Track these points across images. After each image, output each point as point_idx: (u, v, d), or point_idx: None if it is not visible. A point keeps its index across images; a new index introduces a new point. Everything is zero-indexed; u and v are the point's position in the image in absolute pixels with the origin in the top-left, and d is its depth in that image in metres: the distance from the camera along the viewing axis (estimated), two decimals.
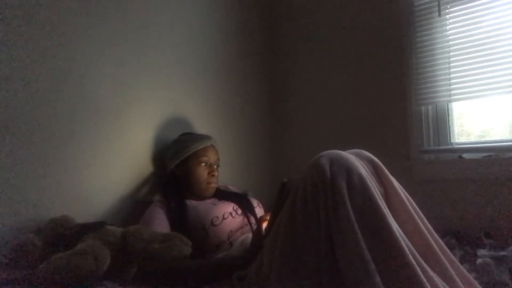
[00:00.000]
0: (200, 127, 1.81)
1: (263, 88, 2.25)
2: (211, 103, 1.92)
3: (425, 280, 0.78)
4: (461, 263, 1.04)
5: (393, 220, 0.88)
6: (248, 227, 1.44)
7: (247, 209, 1.49)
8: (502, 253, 1.25)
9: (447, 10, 1.71)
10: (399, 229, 0.87)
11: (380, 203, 0.86)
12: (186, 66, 1.81)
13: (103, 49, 1.48)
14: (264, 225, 1.19)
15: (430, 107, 1.80)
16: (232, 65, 2.05)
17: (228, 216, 1.40)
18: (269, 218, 1.15)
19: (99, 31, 1.47)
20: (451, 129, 1.77)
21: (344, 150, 0.97)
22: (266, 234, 1.13)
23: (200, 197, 1.51)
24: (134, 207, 1.52)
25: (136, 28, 1.60)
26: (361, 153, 1.02)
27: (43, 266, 0.96)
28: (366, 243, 0.81)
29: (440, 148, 1.77)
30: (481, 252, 1.28)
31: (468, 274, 0.95)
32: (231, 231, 1.38)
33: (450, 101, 1.73)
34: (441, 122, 1.79)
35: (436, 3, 1.72)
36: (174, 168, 1.53)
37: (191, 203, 1.46)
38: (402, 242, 0.82)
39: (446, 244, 1.07)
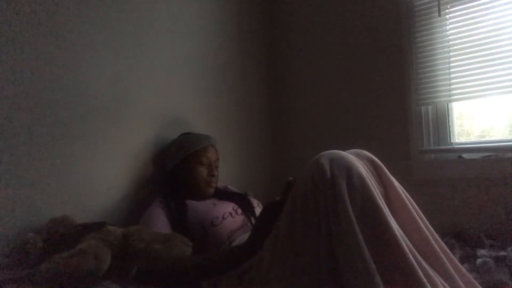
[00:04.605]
0: (200, 127, 1.81)
1: (263, 88, 2.26)
2: (211, 103, 1.92)
3: (425, 280, 0.78)
4: (461, 263, 1.04)
5: (393, 220, 0.88)
6: (248, 227, 1.44)
7: (247, 209, 1.49)
8: (502, 253, 1.25)
9: (447, 10, 1.71)
10: (399, 229, 0.87)
11: (380, 203, 0.86)
12: (186, 66, 1.81)
13: (103, 49, 1.48)
14: None
15: (430, 107, 1.80)
16: (232, 64, 2.05)
17: (228, 216, 1.40)
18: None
19: (99, 31, 1.47)
20: (451, 129, 1.77)
21: (344, 150, 0.97)
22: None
23: (200, 197, 1.51)
24: (134, 207, 1.52)
25: (136, 28, 1.60)
26: (361, 152, 1.02)
27: (43, 266, 0.96)
28: (366, 243, 0.81)
29: (440, 148, 1.77)
30: (481, 252, 1.29)
31: (468, 274, 0.95)
32: (231, 231, 1.38)
33: (450, 101, 1.73)
34: (441, 122, 1.79)
35: (436, 3, 1.72)
36: (174, 168, 1.53)
37: (191, 203, 1.46)
38: (402, 242, 0.82)
39: (446, 244, 1.07)
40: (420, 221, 0.95)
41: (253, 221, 1.45)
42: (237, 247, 1.17)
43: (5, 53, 1.23)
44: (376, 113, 1.92)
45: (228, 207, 1.45)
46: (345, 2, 2.03)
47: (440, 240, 0.97)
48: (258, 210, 1.52)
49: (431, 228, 0.97)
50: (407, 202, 0.97)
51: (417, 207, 0.99)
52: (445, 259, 0.91)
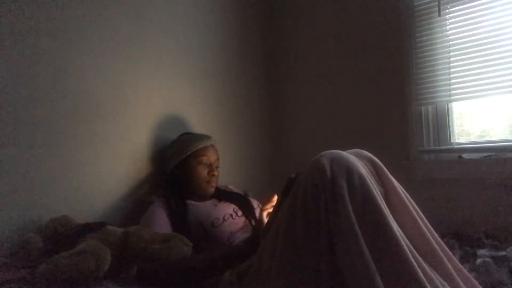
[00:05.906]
0: (200, 127, 1.81)
1: (263, 87, 2.25)
2: (211, 103, 1.92)
3: (425, 280, 0.78)
4: (461, 263, 1.04)
5: (393, 220, 0.88)
6: (249, 228, 1.44)
7: (247, 210, 1.49)
8: (502, 253, 1.25)
9: (447, 10, 1.71)
10: (399, 229, 0.87)
11: (380, 203, 0.86)
12: (186, 66, 1.81)
13: (103, 49, 1.48)
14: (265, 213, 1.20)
15: (430, 107, 1.80)
16: (232, 65, 2.05)
17: (228, 218, 1.40)
18: (272, 211, 1.14)
19: (99, 31, 1.47)
20: (451, 129, 1.77)
21: (344, 150, 0.97)
22: (267, 227, 1.12)
23: (200, 197, 1.51)
24: (134, 207, 1.52)
25: (136, 28, 1.60)
26: (361, 153, 1.02)
27: (43, 266, 0.96)
28: (366, 243, 0.81)
29: (440, 148, 1.77)
30: (481, 252, 1.28)
31: (468, 274, 0.95)
32: (231, 232, 1.38)
33: (450, 101, 1.73)
34: (441, 122, 1.79)
35: (436, 3, 1.72)
36: (174, 168, 1.53)
37: (191, 203, 1.46)
38: (402, 242, 0.82)
39: (446, 244, 1.07)
40: (420, 221, 0.95)
41: (253, 222, 1.45)
42: (236, 245, 1.18)
43: (5, 54, 1.23)
44: (376, 113, 1.92)
45: (228, 209, 1.45)
46: (346, 3, 2.03)
47: (440, 240, 0.97)
48: (258, 210, 1.52)
49: (431, 228, 0.97)
50: (407, 202, 0.97)
51: (417, 207, 0.99)
52: (445, 259, 0.91)
